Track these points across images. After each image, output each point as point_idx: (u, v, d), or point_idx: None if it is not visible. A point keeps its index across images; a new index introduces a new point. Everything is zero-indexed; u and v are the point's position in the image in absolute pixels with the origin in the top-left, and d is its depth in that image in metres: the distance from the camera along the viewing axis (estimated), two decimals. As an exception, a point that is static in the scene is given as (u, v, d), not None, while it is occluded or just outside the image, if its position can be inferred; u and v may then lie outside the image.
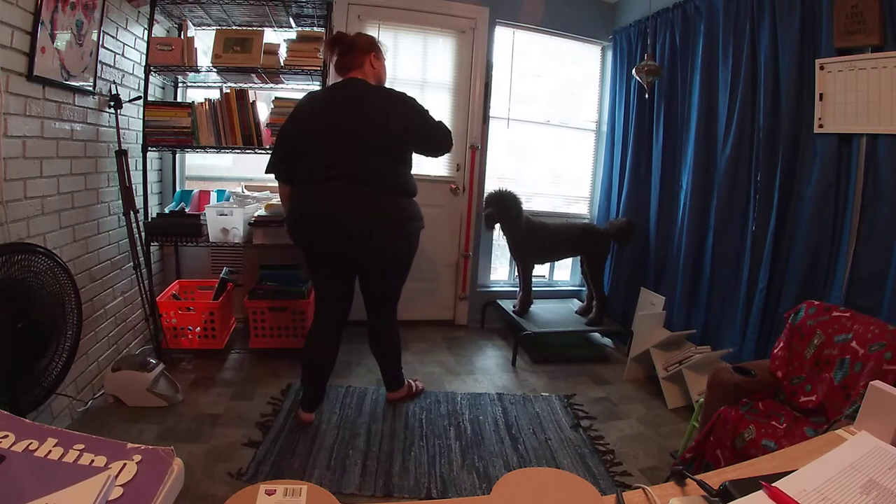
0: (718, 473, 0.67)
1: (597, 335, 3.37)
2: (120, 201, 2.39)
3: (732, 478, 0.62)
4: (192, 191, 3.01)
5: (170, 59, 2.51)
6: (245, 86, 2.84)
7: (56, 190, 1.92)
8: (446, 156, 2.59)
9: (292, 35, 2.68)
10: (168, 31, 2.86)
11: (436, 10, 3.15)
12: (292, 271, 2.82)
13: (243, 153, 2.75)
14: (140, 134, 2.56)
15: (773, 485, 0.57)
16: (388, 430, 2.12)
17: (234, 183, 3.19)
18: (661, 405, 2.48)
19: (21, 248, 1.56)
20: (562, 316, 3.24)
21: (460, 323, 3.49)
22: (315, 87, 2.76)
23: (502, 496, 0.57)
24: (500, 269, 3.74)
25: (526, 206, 3.08)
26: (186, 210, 2.84)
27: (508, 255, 3.41)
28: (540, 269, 3.55)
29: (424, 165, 2.28)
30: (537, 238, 3.06)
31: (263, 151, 2.63)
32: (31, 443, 0.49)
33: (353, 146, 1.88)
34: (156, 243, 2.71)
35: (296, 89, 2.97)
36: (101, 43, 2.14)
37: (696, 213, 2.63)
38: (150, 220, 2.63)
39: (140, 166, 2.55)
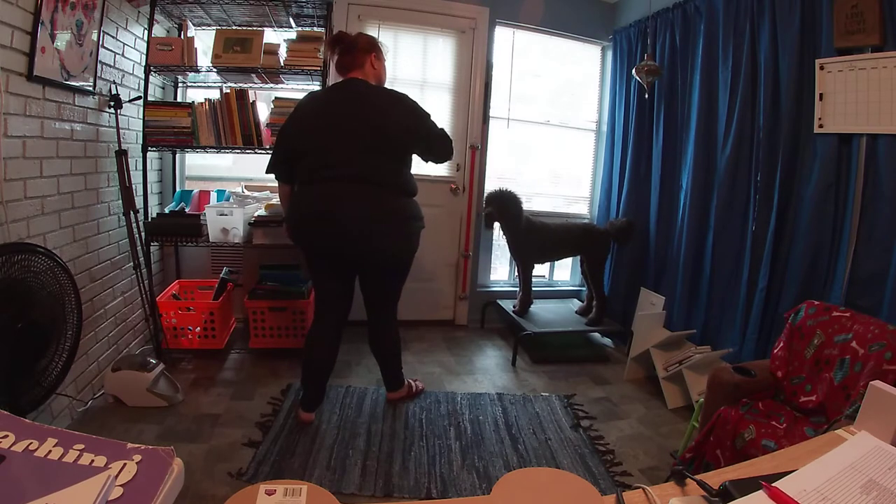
0: (718, 473, 0.67)
1: (597, 335, 3.37)
2: (120, 201, 2.39)
3: (732, 478, 0.62)
4: (192, 191, 3.01)
5: (170, 59, 2.51)
6: (245, 86, 2.84)
7: (56, 190, 1.92)
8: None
9: (292, 35, 2.68)
10: (168, 31, 2.86)
11: (436, 10, 3.15)
12: (292, 271, 2.82)
13: (243, 153, 2.75)
14: (140, 134, 2.56)
15: (773, 485, 0.57)
16: (388, 430, 2.12)
17: (234, 183, 3.19)
18: (661, 405, 2.48)
19: (21, 248, 1.56)
20: (562, 316, 3.24)
21: (460, 323, 3.49)
22: (315, 87, 2.76)
23: (502, 496, 0.57)
24: (500, 269, 3.74)
25: (526, 206, 3.08)
26: (186, 210, 2.84)
27: (508, 255, 3.41)
28: (540, 269, 3.55)
29: (424, 166, 2.27)
30: (537, 238, 3.06)
31: (263, 151, 2.63)
32: (31, 443, 0.49)
33: (353, 146, 1.88)
34: (156, 243, 2.71)
35: (296, 89, 2.97)
36: (101, 43, 2.14)
37: (696, 213, 2.63)
38: (150, 220, 2.63)
39: (140, 166, 2.55)
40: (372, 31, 3.01)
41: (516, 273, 3.37)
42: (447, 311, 3.50)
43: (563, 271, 3.83)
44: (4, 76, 1.60)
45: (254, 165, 3.16)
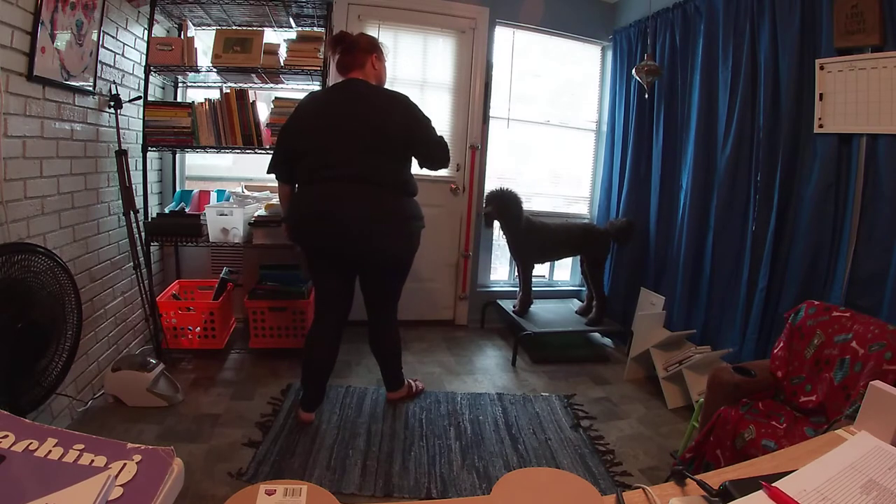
0: (718, 473, 0.67)
1: (597, 335, 3.37)
2: (120, 201, 2.39)
3: (732, 478, 0.62)
4: (192, 191, 3.01)
5: (170, 59, 2.51)
6: (245, 86, 2.84)
7: (56, 190, 1.92)
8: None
9: (292, 35, 2.68)
10: (168, 31, 2.87)
11: (436, 10, 3.15)
12: (292, 271, 2.82)
13: (243, 153, 2.75)
14: (140, 134, 2.56)
15: (773, 485, 0.57)
16: (388, 430, 2.12)
17: (234, 183, 3.19)
18: (661, 405, 2.48)
19: (21, 248, 1.56)
20: (562, 316, 3.24)
21: (460, 323, 3.49)
22: (315, 87, 2.76)
23: (502, 496, 0.57)
24: (500, 269, 3.74)
25: (526, 206, 3.08)
26: (186, 210, 2.84)
27: (508, 255, 3.41)
28: (540, 269, 3.55)
29: (424, 166, 2.29)
30: (537, 238, 3.06)
31: (263, 151, 2.63)
32: (31, 443, 0.49)
33: (353, 146, 1.89)
34: (156, 243, 2.71)
35: (296, 89, 2.97)
36: (101, 43, 2.14)
37: (696, 213, 2.63)
38: (150, 220, 2.63)
39: (140, 166, 2.55)
40: (372, 31, 3.01)
41: (516, 273, 3.37)
42: (447, 311, 3.50)
43: (563, 271, 3.83)
44: (4, 76, 1.60)
45: (254, 165, 3.16)
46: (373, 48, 2.03)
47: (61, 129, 1.94)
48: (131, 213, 2.38)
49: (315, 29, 2.88)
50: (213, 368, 2.58)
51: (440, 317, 3.48)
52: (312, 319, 2.16)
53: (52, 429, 0.51)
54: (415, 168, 2.06)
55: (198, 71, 2.67)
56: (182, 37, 2.64)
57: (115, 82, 2.34)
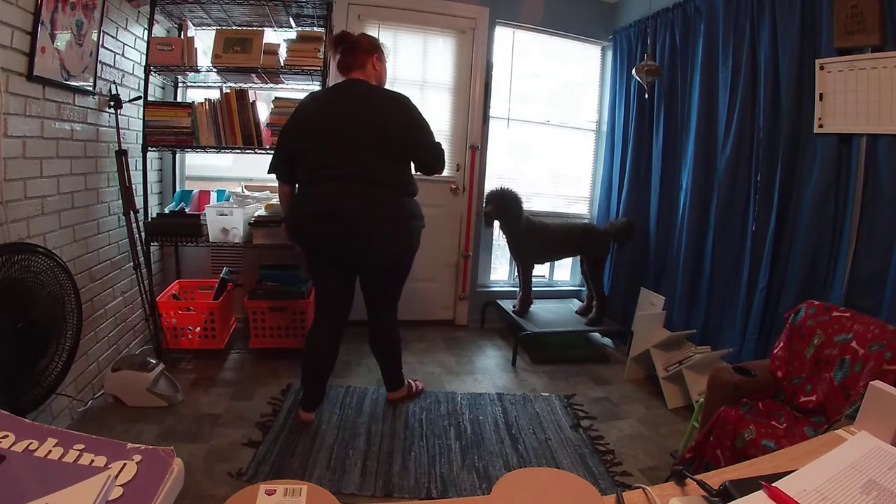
0: (718, 473, 0.67)
1: (597, 335, 3.37)
2: (120, 201, 2.39)
3: (732, 478, 0.62)
4: (192, 191, 3.01)
5: (170, 59, 2.51)
6: (245, 86, 2.84)
7: (56, 190, 1.92)
8: (446, 156, 2.58)
9: (292, 35, 2.68)
10: (168, 31, 2.87)
11: (436, 10, 3.15)
12: (292, 271, 2.82)
13: (243, 153, 2.75)
14: (140, 134, 2.56)
15: (773, 485, 0.57)
16: (388, 430, 2.12)
17: (234, 183, 3.19)
18: (661, 405, 2.48)
19: (21, 248, 1.56)
20: (562, 316, 3.24)
21: (460, 323, 3.49)
22: (315, 87, 2.76)
23: (502, 496, 0.57)
24: (500, 269, 3.74)
25: (526, 206, 3.08)
26: (186, 210, 2.84)
27: (508, 255, 3.41)
28: (540, 269, 3.55)
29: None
30: (537, 238, 3.06)
31: (263, 151, 2.63)
32: (31, 443, 0.49)
33: (353, 146, 1.89)
34: (156, 243, 2.71)
35: (296, 89, 2.97)
36: (101, 43, 2.14)
37: (696, 213, 2.63)
38: (150, 220, 2.63)
39: (140, 166, 2.55)
40: (372, 31, 3.01)
41: (516, 273, 3.37)
42: (447, 311, 3.50)
43: (563, 271, 3.83)
44: (4, 76, 1.60)
45: (254, 165, 3.16)
46: (374, 49, 2.04)
47: (61, 129, 1.94)
48: (131, 213, 2.38)
49: (315, 29, 2.88)
50: (213, 368, 2.58)
51: (440, 317, 3.48)
52: (312, 319, 2.16)
53: (52, 429, 0.51)
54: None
55: (198, 71, 2.67)
56: (182, 37, 2.64)
57: (115, 82, 2.34)
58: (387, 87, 2.13)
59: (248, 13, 2.74)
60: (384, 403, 2.33)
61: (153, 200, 2.84)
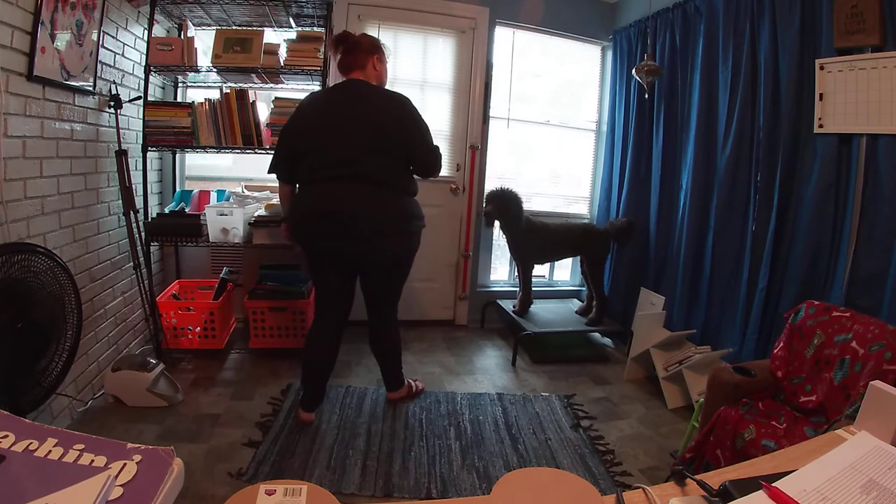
0: (718, 473, 0.67)
1: (597, 335, 3.37)
2: (120, 201, 2.39)
3: (732, 478, 0.62)
4: (192, 191, 3.01)
5: (170, 59, 2.51)
6: (245, 86, 2.84)
7: (56, 190, 1.92)
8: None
9: (292, 35, 2.68)
10: (168, 31, 2.86)
11: (436, 10, 3.15)
12: (292, 271, 2.82)
13: (243, 153, 2.75)
14: (140, 134, 2.56)
15: (773, 485, 0.57)
16: (388, 430, 2.12)
17: (234, 183, 3.19)
18: (661, 405, 2.48)
19: (21, 248, 1.56)
20: (562, 316, 3.24)
21: (460, 323, 3.49)
22: (315, 87, 2.76)
23: (502, 496, 0.57)
24: (500, 269, 3.74)
25: (526, 206, 3.08)
26: (186, 210, 2.84)
27: (508, 255, 3.41)
28: (540, 269, 3.55)
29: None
30: (537, 238, 3.06)
31: (263, 151, 2.63)
32: (31, 443, 0.49)
33: (353, 146, 1.89)
34: (156, 243, 2.71)
35: (296, 89, 2.97)
36: (101, 43, 2.14)
37: (696, 213, 2.63)
38: (150, 220, 2.63)
39: (140, 166, 2.55)
40: (372, 31, 3.01)
41: (516, 273, 3.37)
42: (447, 311, 3.50)
43: (563, 271, 3.83)
44: (4, 76, 1.60)
45: (254, 165, 3.16)
46: (375, 49, 2.04)
47: (61, 129, 1.94)
48: (131, 213, 2.38)
49: (315, 29, 2.88)
50: (213, 368, 2.58)
51: (440, 317, 3.48)
52: (312, 319, 2.16)
53: (52, 429, 0.51)
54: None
55: (198, 71, 2.67)
56: (182, 37, 2.64)
57: (115, 82, 2.34)
58: (387, 87, 2.13)
59: (248, 13, 2.74)
60: (384, 403, 2.33)
61: (153, 200, 2.84)
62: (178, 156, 3.08)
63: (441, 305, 3.48)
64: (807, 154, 2.10)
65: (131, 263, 2.44)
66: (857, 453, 0.65)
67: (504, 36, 3.34)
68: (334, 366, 2.16)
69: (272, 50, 2.59)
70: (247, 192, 2.94)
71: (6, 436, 0.49)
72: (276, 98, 2.66)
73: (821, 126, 2.01)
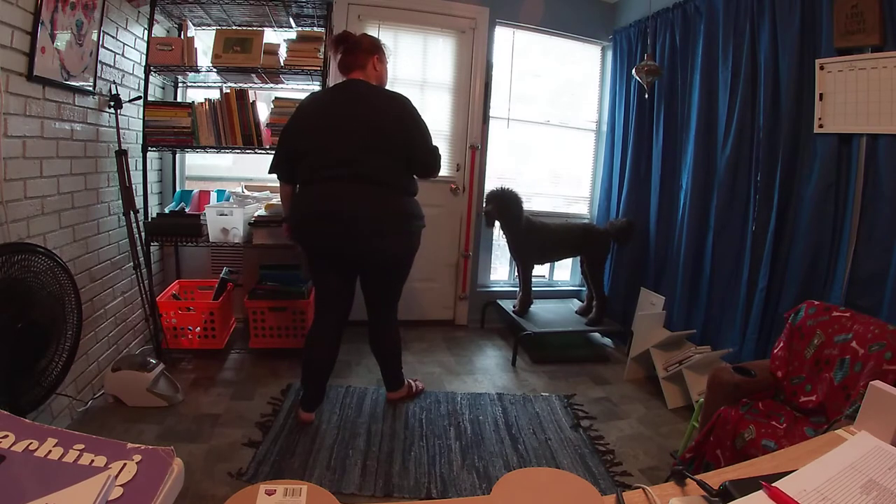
0: (718, 473, 0.67)
1: (597, 335, 3.37)
2: (120, 201, 2.39)
3: (732, 478, 0.62)
4: (192, 191, 3.01)
5: (170, 59, 2.51)
6: (245, 86, 2.84)
7: (56, 190, 1.92)
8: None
9: (292, 35, 2.68)
10: (168, 31, 2.87)
11: (436, 10, 3.15)
12: (292, 271, 2.82)
13: (243, 153, 2.75)
14: (140, 134, 2.56)
15: (773, 485, 0.57)
16: (388, 430, 2.12)
17: (234, 183, 3.19)
18: (661, 405, 2.48)
19: (21, 248, 1.56)
20: (562, 316, 3.24)
21: (460, 323, 3.49)
22: (315, 87, 2.76)
23: (502, 496, 0.57)
24: (500, 269, 3.74)
25: (526, 206, 3.08)
26: (186, 210, 2.84)
27: (508, 255, 3.41)
28: (540, 269, 3.55)
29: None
30: (537, 238, 3.06)
31: (263, 151, 2.63)
32: (31, 443, 0.49)
33: (353, 146, 1.89)
34: (156, 243, 2.71)
35: (296, 89, 2.97)
36: (101, 43, 2.14)
37: (696, 213, 2.63)
38: (150, 220, 2.63)
39: (140, 166, 2.55)
40: (372, 31, 3.01)
41: (516, 273, 3.37)
42: (447, 311, 3.50)
43: (563, 271, 3.83)
44: (4, 76, 1.60)
45: (254, 165, 3.16)
46: (375, 49, 2.04)
47: (61, 129, 1.94)
48: (131, 213, 2.38)
49: (315, 29, 2.88)
50: (213, 368, 2.58)
51: (440, 317, 3.48)
52: (312, 319, 2.16)
53: (52, 429, 0.51)
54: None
55: (198, 71, 2.67)
56: (182, 37, 2.64)
57: (115, 82, 2.34)
58: (387, 87, 2.13)
59: (248, 13, 2.74)
60: (384, 403, 2.33)
61: (153, 200, 2.84)
62: (178, 156, 3.08)
63: (441, 305, 3.48)
64: (807, 154, 2.10)
65: (131, 263, 2.44)
66: (857, 453, 0.65)
67: (504, 36, 3.34)
68: (334, 366, 2.16)
69: (272, 50, 2.59)
70: (247, 192, 2.94)
71: (6, 436, 0.49)
72: (276, 98, 2.66)
73: (821, 126, 2.01)
